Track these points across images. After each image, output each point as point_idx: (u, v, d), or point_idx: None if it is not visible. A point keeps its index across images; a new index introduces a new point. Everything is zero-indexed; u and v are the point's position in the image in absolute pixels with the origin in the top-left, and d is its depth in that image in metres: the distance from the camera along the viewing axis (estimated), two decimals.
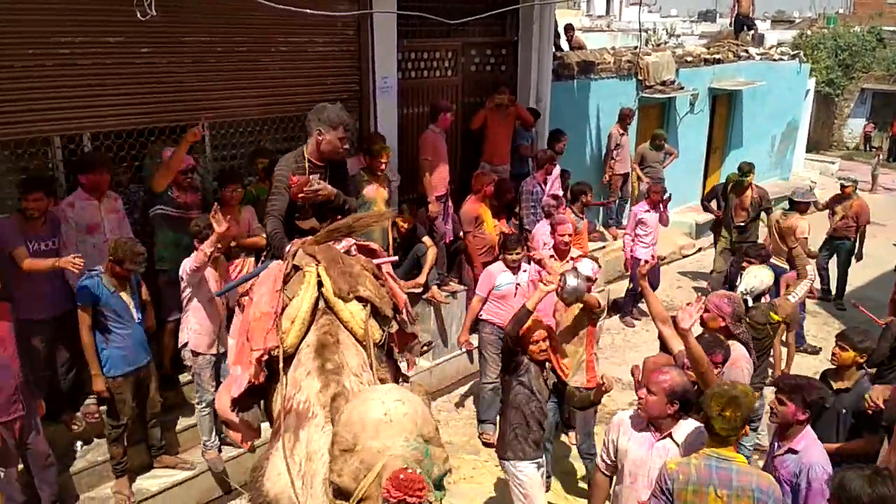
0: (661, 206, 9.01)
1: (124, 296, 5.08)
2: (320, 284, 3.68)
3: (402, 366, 4.42)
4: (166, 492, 5.55)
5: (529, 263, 6.47)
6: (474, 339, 7.83)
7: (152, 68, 5.81)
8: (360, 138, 7.26)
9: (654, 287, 7.29)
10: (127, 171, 6.11)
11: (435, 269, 7.47)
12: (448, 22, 6.78)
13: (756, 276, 6.26)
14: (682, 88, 12.25)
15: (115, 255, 4.95)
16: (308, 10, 5.10)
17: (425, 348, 4.92)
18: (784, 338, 7.45)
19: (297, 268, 3.80)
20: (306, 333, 3.61)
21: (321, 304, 3.67)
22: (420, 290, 7.31)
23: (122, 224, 5.54)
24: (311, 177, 4.11)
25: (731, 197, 9.59)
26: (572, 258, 6.25)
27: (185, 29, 5.89)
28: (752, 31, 15.97)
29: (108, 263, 5.02)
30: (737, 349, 4.81)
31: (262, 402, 3.92)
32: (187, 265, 5.26)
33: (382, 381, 3.51)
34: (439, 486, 2.52)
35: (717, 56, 13.60)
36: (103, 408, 5.46)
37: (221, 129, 6.54)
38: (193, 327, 5.43)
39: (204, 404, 5.57)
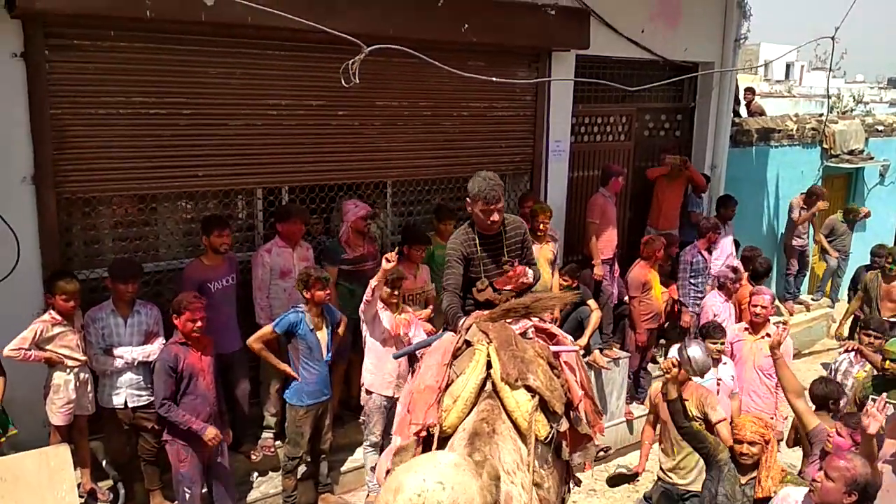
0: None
1: (320, 334, 5.44)
2: (489, 365, 3.46)
3: (576, 467, 4.04)
4: None
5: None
6: (635, 409, 7.68)
7: (346, 129, 6.30)
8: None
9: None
10: (318, 223, 6.58)
11: (598, 333, 7.40)
12: (625, 88, 6.85)
13: None
14: (871, 158, 11.55)
15: (304, 280, 5.31)
16: (493, 78, 5.34)
17: (602, 454, 4.46)
18: None
19: (468, 343, 3.64)
20: (469, 414, 3.38)
21: (488, 385, 3.43)
22: (581, 352, 7.25)
23: None
24: (522, 268, 4.09)
25: (871, 287, 8.16)
26: (768, 334, 5.95)
27: (378, 94, 6.34)
28: None
29: (303, 293, 5.34)
30: None
31: None
32: (364, 298, 5.50)
33: (538, 485, 3.19)
34: None
35: None
36: (278, 442, 5.84)
37: (402, 186, 6.92)
38: (368, 367, 5.66)
39: (369, 445, 5.79)
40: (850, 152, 11.33)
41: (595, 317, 7.18)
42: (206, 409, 4.96)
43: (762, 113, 12.57)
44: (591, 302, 7.24)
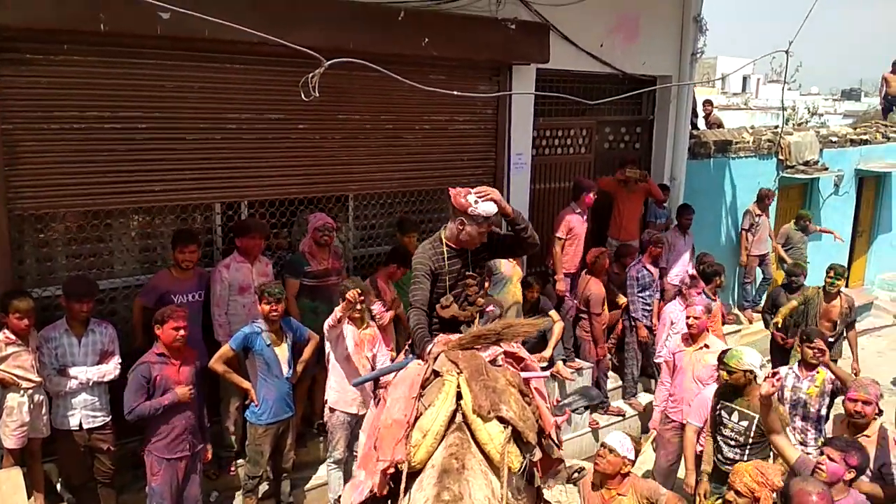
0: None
1: (278, 350, 5.37)
2: (459, 396, 3.36)
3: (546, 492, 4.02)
4: None
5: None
6: (600, 419, 7.72)
7: (306, 143, 6.26)
8: None
9: None
10: (278, 237, 6.51)
11: (561, 345, 7.44)
12: (585, 102, 6.93)
13: None
14: (826, 169, 11.80)
15: (258, 293, 5.30)
16: (454, 91, 5.36)
17: (576, 475, 4.45)
18: None
19: (436, 373, 3.51)
20: (438, 447, 3.28)
21: (458, 417, 3.32)
22: (545, 364, 7.29)
23: None
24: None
25: (812, 304, 7.83)
26: (706, 345, 6.14)
27: (339, 108, 6.32)
28: None
29: (261, 307, 5.28)
30: None
31: None
32: (328, 322, 5.47)
33: None
34: None
35: (863, 137, 13.04)
36: (240, 461, 5.75)
37: (364, 199, 6.89)
38: (332, 384, 5.61)
39: (332, 462, 5.73)
40: (806, 163, 11.55)
41: (558, 328, 7.23)
42: (182, 421, 4.89)
43: (720, 125, 12.81)
44: (553, 313, 7.28)
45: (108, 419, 5.07)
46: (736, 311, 10.80)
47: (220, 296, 5.69)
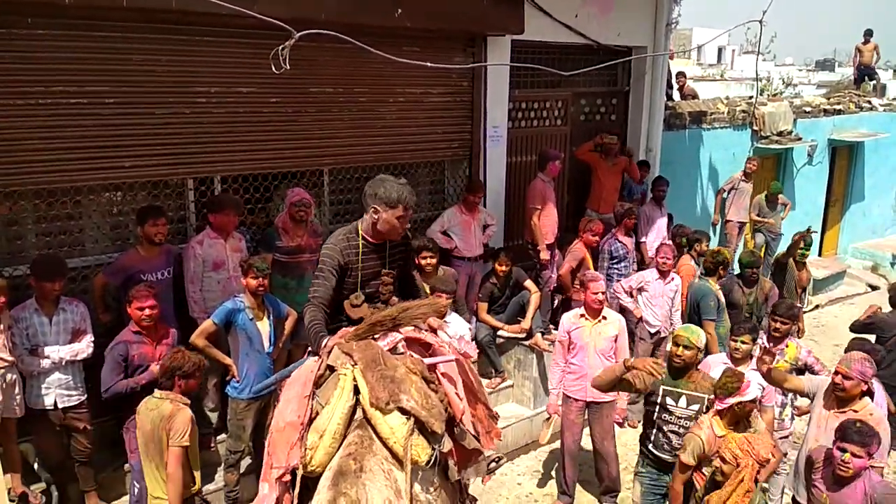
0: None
1: (261, 325, 5.34)
2: (358, 390, 3.09)
3: (471, 482, 3.78)
4: None
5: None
6: None
7: (279, 117, 6.18)
8: (467, 186, 7.43)
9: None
10: (253, 213, 6.45)
11: (539, 316, 7.47)
12: (560, 73, 6.87)
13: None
14: (799, 139, 11.90)
15: (242, 267, 5.28)
16: (428, 63, 5.30)
17: (493, 465, 3.98)
18: None
19: (331, 369, 3.22)
20: (339, 448, 3.03)
21: (358, 413, 3.07)
22: (524, 335, 7.33)
23: None
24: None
25: (790, 276, 8.02)
26: (604, 317, 6.04)
27: (312, 80, 6.24)
28: (874, 82, 15.36)
29: (245, 281, 5.25)
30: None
31: None
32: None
33: None
34: None
35: (837, 107, 13.15)
36: (221, 436, 5.74)
37: (340, 174, 6.84)
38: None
39: None
40: (780, 133, 11.65)
41: (535, 299, 7.24)
42: None
43: (695, 96, 12.83)
44: (530, 283, 7.29)
45: (83, 398, 5.03)
46: None
47: (195, 272, 5.63)
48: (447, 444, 3.18)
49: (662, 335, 7.47)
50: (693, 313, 7.11)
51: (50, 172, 5.23)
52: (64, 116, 5.20)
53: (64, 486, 5.20)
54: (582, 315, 6.09)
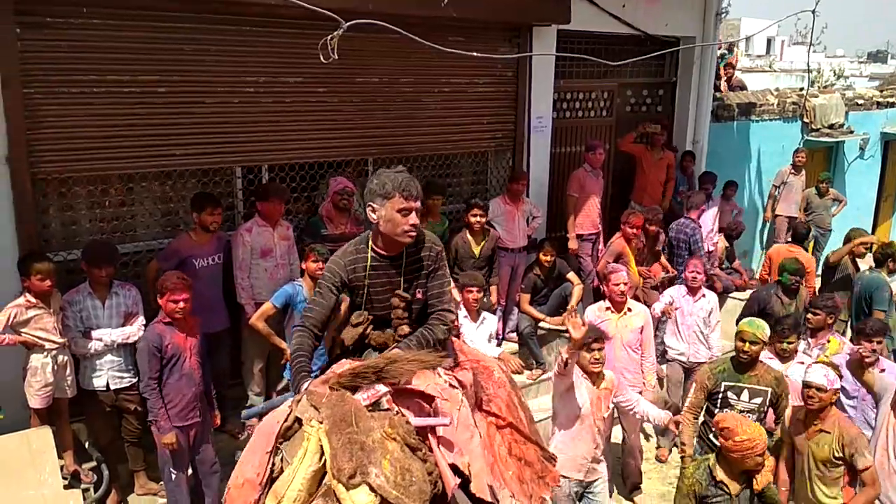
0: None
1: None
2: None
3: None
4: None
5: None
6: None
7: (326, 106, 6.22)
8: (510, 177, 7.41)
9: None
10: (301, 202, 6.53)
11: (581, 308, 7.42)
12: (607, 63, 6.82)
13: None
14: (851, 132, 11.62)
15: (309, 251, 5.39)
16: (474, 53, 5.30)
17: None
18: None
19: (300, 421, 2.69)
20: None
21: (328, 478, 2.51)
22: (565, 327, 7.28)
23: (291, 250, 5.92)
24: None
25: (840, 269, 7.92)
26: (629, 309, 5.98)
27: (358, 71, 6.27)
28: None
29: (304, 265, 5.40)
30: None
31: None
32: (555, 369, 5.00)
33: None
34: None
35: (890, 99, 12.79)
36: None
37: (384, 164, 6.86)
38: (557, 446, 4.89)
39: None
40: (831, 126, 11.39)
41: (577, 291, 7.19)
42: (192, 388, 4.92)
43: (743, 87, 12.60)
44: (572, 276, 7.26)
45: (134, 380, 5.13)
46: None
47: (243, 259, 5.72)
48: None
49: (692, 361, 6.68)
50: (863, 304, 6.95)
51: (103, 159, 5.34)
52: (117, 105, 5.30)
53: (114, 465, 5.32)
54: (607, 308, 6.01)
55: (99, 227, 5.54)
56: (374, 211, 3.03)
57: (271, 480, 2.62)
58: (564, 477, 4.74)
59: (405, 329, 3.17)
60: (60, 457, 4.92)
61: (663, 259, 7.94)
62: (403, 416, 2.71)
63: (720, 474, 4.27)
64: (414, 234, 3.06)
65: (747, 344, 4.92)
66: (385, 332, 3.18)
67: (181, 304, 4.80)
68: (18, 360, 4.83)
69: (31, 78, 4.94)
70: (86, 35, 5.10)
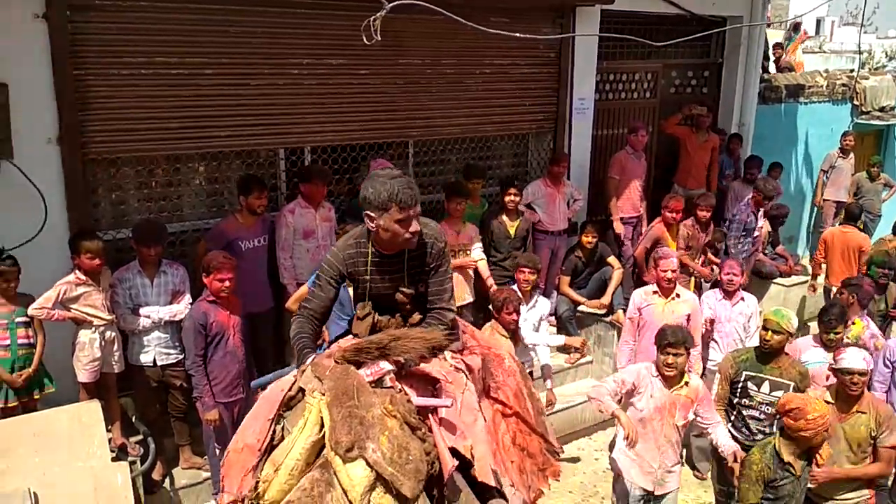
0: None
1: (350, 290, 5.45)
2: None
3: None
4: None
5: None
6: None
7: (368, 88, 6.24)
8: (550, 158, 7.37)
9: None
10: (343, 184, 6.58)
11: (621, 292, 7.38)
12: (651, 44, 6.71)
13: None
14: None
15: (336, 233, 5.41)
16: (517, 34, 5.26)
17: None
18: None
19: (303, 391, 2.71)
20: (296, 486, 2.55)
21: (326, 450, 2.52)
22: (604, 311, 7.26)
23: (332, 232, 5.93)
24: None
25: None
26: (677, 294, 5.84)
27: (400, 52, 6.27)
28: None
29: None
30: None
31: None
32: None
33: None
34: None
35: None
36: None
37: (424, 146, 6.88)
38: (621, 445, 4.83)
39: None
40: (882, 109, 11.10)
41: (617, 275, 7.15)
42: (236, 366, 5.03)
43: (791, 69, 12.30)
44: (613, 259, 7.21)
45: (180, 356, 5.24)
46: (804, 262, 10.48)
47: (286, 240, 5.78)
48: None
49: None
50: None
51: (151, 140, 5.44)
52: (165, 87, 5.38)
53: (160, 439, 5.44)
54: (655, 292, 5.86)
55: (147, 207, 5.66)
56: (371, 220, 2.93)
57: (271, 448, 2.65)
58: (630, 481, 4.70)
59: (416, 317, 3.15)
60: (108, 430, 5.07)
61: (710, 255, 7.64)
62: (405, 394, 2.70)
63: (787, 455, 4.19)
64: (416, 240, 2.99)
65: (770, 333, 4.77)
66: (394, 318, 3.17)
67: (227, 283, 4.89)
68: (69, 336, 4.97)
69: (81, 60, 5.04)
70: (135, 17, 5.18)
